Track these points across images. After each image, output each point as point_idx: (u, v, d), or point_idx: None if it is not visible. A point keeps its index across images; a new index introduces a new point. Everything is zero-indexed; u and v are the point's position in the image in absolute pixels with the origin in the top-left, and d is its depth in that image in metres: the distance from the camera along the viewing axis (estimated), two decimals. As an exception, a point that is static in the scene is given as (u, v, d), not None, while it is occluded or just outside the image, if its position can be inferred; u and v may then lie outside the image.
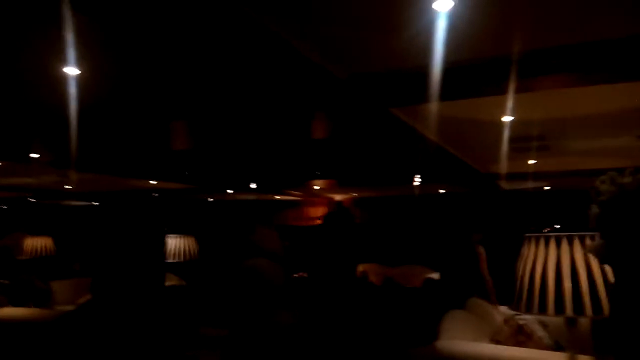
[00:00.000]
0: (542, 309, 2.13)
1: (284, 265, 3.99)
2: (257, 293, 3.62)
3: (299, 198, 12.67)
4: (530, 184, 9.25)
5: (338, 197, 12.70)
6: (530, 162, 6.79)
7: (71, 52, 2.79)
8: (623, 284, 1.09)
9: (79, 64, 3.05)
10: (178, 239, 7.08)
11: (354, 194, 12.39)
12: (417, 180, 8.65)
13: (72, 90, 3.52)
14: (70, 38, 2.61)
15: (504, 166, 6.88)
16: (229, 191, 10.91)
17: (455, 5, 2.26)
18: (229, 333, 3.65)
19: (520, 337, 3.82)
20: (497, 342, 3.74)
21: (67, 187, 9.75)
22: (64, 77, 3.27)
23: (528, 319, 3.86)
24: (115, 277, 2.05)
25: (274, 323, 3.65)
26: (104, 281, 2.08)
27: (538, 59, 2.88)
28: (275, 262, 3.84)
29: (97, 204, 13.30)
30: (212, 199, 13.45)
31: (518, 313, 3.12)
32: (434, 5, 2.27)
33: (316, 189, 10.85)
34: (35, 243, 7.88)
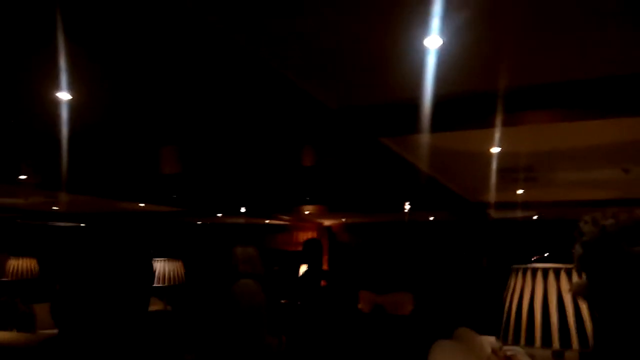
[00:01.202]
0: (530, 342, 2.14)
1: (272, 290, 3.97)
2: (237, 319, 3.58)
3: (288, 222, 12.64)
4: (519, 213, 9.32)
5: (328, 222, 12.69)
6: (519, 192, 6.86)
7: (63, 78, 2.82)
8: (605, 323, 1.11)
9: (71, 89, 3.07)
10: (164, 263, 7.01)
11: (344, 220, 12.39)
12: (407, 207, 8.69)
13: (63, 114, 3.54)
14: (63, 64, 2.64)
15: (492, 196, 6.95)
16: (218, 214, 10.87)
17: (444, 43, 2.32)
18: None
19: (508, 368, 3.80)
20: (485, 374, 3.72)
21: (54, 208, 9.67)
22: (55, 102, 3.28)
23: (516, 350, 3.85)
24: (99, 301, 2.02)
25: (261, 347, 3.61)
26: (83, 306, 2.05)
27: (524, 95, 2.95)
28: (257, 283, 3.82)
29: (83, 225, 13.17)
30: (200, 222, 13.38)
31: (506, 344, 3.12)
32: (425, 42, 2.33)
33: (306, 214, 10.85)
34: (19, 264, 7.75)
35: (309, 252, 4.72)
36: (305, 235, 13.00)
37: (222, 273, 3.83)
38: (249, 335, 3.62)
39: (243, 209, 9.49)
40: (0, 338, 5.44)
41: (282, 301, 7.94)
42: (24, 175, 6.01)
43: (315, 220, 12.40)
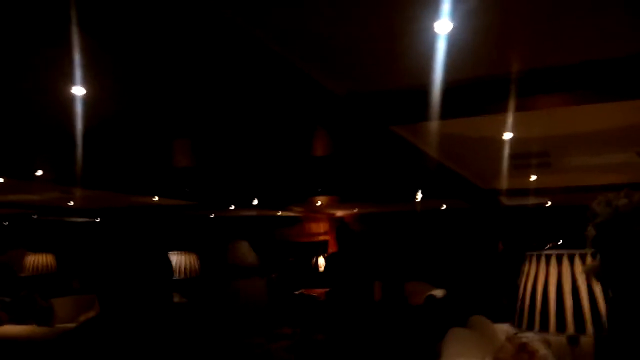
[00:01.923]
0: (544, 327, 2.14)
1: (286, 281, 4.01)
2: (239, 317, 3.63)
3: (300, 214, 12.67)
4: (531, 200, 9.25)
5: (340, 213, 12.70)
6: (532, 178, 6.81)
7: (78, 73, 2.84)
8: (619, 303, 1.10)
9: (85, 83, 3.10)
10: (179, 256, 7.08)
11: (356, 210, 12.39)
12: (419, 196, 8.67)
13: (78, 109, 3.58)
14: (77, 59, 2.66)
15: (505, 182, 6.90)
16: (230, 207, 10.93)
17: (455, 27, 2.31)
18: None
19: (523, 355, 3.80)
20: (500, 360, 3.72)
21: (70, 203, 9.79)
22: (69, 97, 3.32)
23: (531, 337, 3.84)
24: (119, 295, 2.05)
25: (249, 345, 3.65)
26: (109, 298, 2.09)
27: (537, 79, 2.92)
28: (254, 276, 3.85)
29: (98, 220, 13.32)
30: (213, 216, 13.46)
31: (520, 330, 3.12)
32: (435, 28, 2.31)
33: (318, 205, 10.87)
34: (37, 260, 7.88)
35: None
36: (318, 227, 13.04)
37: (226, 268, 3.89)
38: (246, 328, 3.66)
39: (255, 201, 9.53)
40: (21, 332, 5.55)
41: (296, 292, 7.99)
42: (40, 170, 6.09)
43: (327, 211, 12.41)
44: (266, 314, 3.78)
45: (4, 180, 6.63)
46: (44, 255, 8.00)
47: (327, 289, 4.87)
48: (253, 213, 12.27)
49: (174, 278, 6.71)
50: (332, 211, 12.47)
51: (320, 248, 12.69)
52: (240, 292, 3.69)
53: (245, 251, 3.94)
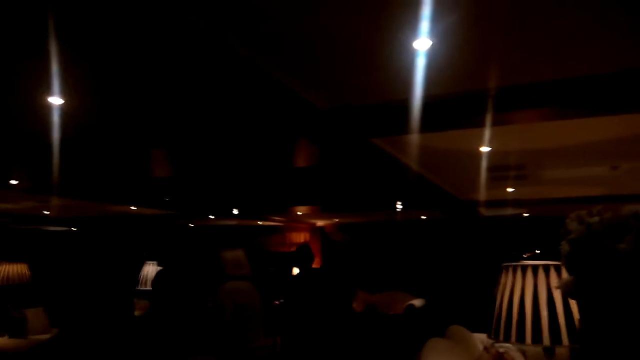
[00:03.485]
0: (520, 339, 2.16)
1: (266, 291, 4.00)
2: (228, 318, 3.61)
3: (281, 224, 12.64)
4: (509, 211, 9.39)
5: (320, 222, 12.71)
6: (509, 189, 6.92)
7: (56, 83, 2.82)
8: (590, 320, 1.13)
9: (63, 93, 3.07)
10: (155, 266, 6.99)
11: (337, 220, 12.41)
12: (399, 206, 8.73)
13: (55, 118, 3.54)
14: (55, 68, 2.64)
15: (483, 194, 7.00)
16: (210, 217, 10.85)
17: (433, 44, 2.35)
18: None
19: (501, 365, 3.84)
20: (478, 371, 3.75)
21: (45, 212, 9.61)
22: (47, 106, 3.28)
23: (508, 347, 3.89)
24: (87, 305, 2.03)
25: (251, 349, 3.64)
26: (74, 309, 2.07)
27: (514, 94, 2.98)
28: (248, 284, 3.85)
29: (74, 229, 13.09)
30: (192, 225, 13.34)
31: (497, 341, 3.15)
32: (414, 44, 2.35)
33: (298, 215, 10.86)
34: (10, 269, 7.69)
35: (300, 258, 4.80)
36: (298, 237, 13.01)
37: (211, 276, 3.87)
38: (238, 336, 3.65)
39: (235, 211, 9.48)
40: (-7, 344, 5.39)
41: (276, 302, 7.94)
42: (15, 180, 5.97)
43: (308, 220, 12.41)
44: (259, 319, 3.77)
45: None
46: (18, 265, 7.82)
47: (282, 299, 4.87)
48: (233, 222, 12.19)
49: (145, 289, 6.61)
50: (312, 221, 12.47)
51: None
52: (228, 296, 3.67)
53: (242, 260, 3.93)
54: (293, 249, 12.96)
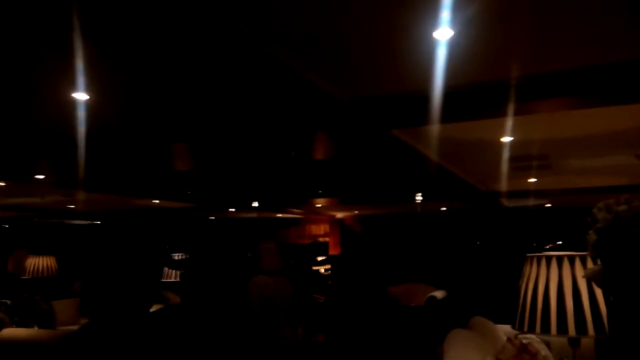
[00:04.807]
0: (545, 329, 2.15)
1: (291, 282, 4.05)
2: (258, 309, 3.67)
3: (301, 216, 12.69)
4: (531, 202, 9.28)
5: (340, 214, 12.72)
6: (531, 180, 6.84)
7: (80, 79, 2.87)
8: (619, 308, 1.13)
9: (88, 89, 3.13)
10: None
11: (356, 212, 12.41)
12: (419, 198, 8.70)
13: (79, 113, 3.61)
14: (79, 64, 2.69)
15: (505, 184, 6.93)
16: (231, 209, 10.95)
17: (454, 34, 2.34)
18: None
19: (525, 356, 3.82)
20: (501, 362, 3.74)
21: (70, 206, 9.80)
22: (72, 102, 3.35)
23: (532, 338, 3.87)
24: (114, 296, 2.08)
25: (278, 338, 3.69)
26: (98, 301, 2.11)
27: (537, 83, 2.95)
28: (281, 277, 3.90)
29: (99, 222, 13.32)
30: (213, 218, 13.47)
31: (521, 332, 3.14)
32: (435, 34, 2.34)
33: (318, 207, 10.89)
34: (38, 262, 7.89)
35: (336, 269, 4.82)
36: (318, 229, 13.06)
37: (242, 267, 3.92)
38: (265, 327, 3.71)
39: (255, 204, 9.55)
40: (23, 334, 5.56)
41: (315, 296, 8.00)
42: (41, 174, 6.11)
43: (328, 213, 12.44)
44: (287, 311, 3.85)
45: (6, 183, 6.65)
46: (45, 258, 8.02)
47: (328, 293, 4.89)
48: (253, 215, 12.28)
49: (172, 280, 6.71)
50: (332, 213, 12.50)
51: (321, 250, 12.71)
52: (258, 289, 3.75)
53: (276, 252, 4.01)
54: (312, 240, 13.01)
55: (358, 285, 4.73)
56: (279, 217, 13.00)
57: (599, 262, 1.23)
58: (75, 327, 5.66)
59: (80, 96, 3.23)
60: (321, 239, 13.07)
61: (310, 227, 13.16)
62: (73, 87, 3.06)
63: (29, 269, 7.81)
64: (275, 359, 3.72)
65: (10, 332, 5.57)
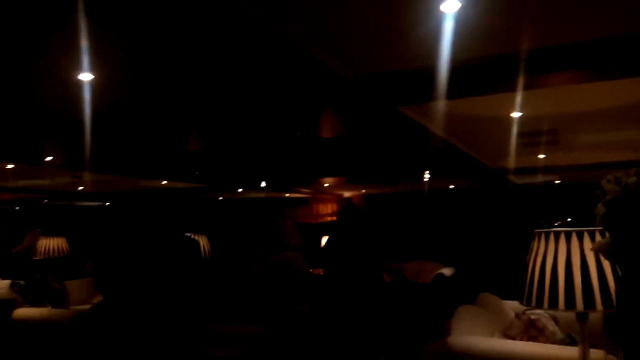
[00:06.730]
0: (553, 304, 2.15)
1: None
2: (289, 285, 3.72)
3: (308, 195, 12.72)
4: (540, 178, 9.23)
5: (347, 194, 12.73)
6: (540, 156, 6.79)
7: (85, 59, 2.86)
8: (628, 281, 1.12)
9: (93, 69, 3.12)
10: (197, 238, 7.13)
11: (364, 191, 12.41)
12: (426, 176, 8.67)
13: (86, 94, 3.60)
14: (85, 45, 2.68)
15: (513, 161, 6.88)
16: (239, 190, 10.98)
17: (462, 6, 2.29)
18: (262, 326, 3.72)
19: (532, 331, 3.85)
20: (509, 337, 3.77)
21: (80, 188, 9.88)
22: (78, 82, 3.34)
23: (539, 314, 3.89)
24: (127, 276, 2.09)
25: (297, 313, 3.73)
26: (114, 279, 2.12)
27: (546, 57, 2.89)
28: (299, 253, 3.94)
29: (108, 204, 13.43)
30: (222, 198, 13.53)
31: (529, 308, 3.15)
32: (442, 7, 2.30)
33: (326, 186, 10.89)
34: (49, 243, 8.00)
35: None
36: (326, 208, 13.08)
37: (266, 245, 3.94)
38: (286, 303, 3.75)
39: (263, 184, 9.57)
40: (36, 314, 5.67)
41: (312, 270, 8.06)
42: (50, 156, 6.14)
43: (335, 192, 12.45)
44: (305, 287, 3.89)
45: (15, 165, 6.70)
46: (57, 239, 8.11)
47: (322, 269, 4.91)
48: (261, 195, 12.32)
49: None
50: (339, 192, 12.51)
51: (328, 229, 12.75)
52: (293, 263, 3.80)
53: (296, 232, 4.04)
54: (321, 220, 13.04)
55: (352, 256, 4.74)
56: (287, 197, 13.04)
57: (607, 235, 1.22)
58: (87, 307, 5.76)
59: (86, 77, 3.23)
60: (329, 219, 13.10)
61: (318, 206, 13.19)
62: (79, 67, 3.05)
63: (41, 250, 7.92)
64: (296, 334, 3.76)
65: (25, 311, 5.68)
